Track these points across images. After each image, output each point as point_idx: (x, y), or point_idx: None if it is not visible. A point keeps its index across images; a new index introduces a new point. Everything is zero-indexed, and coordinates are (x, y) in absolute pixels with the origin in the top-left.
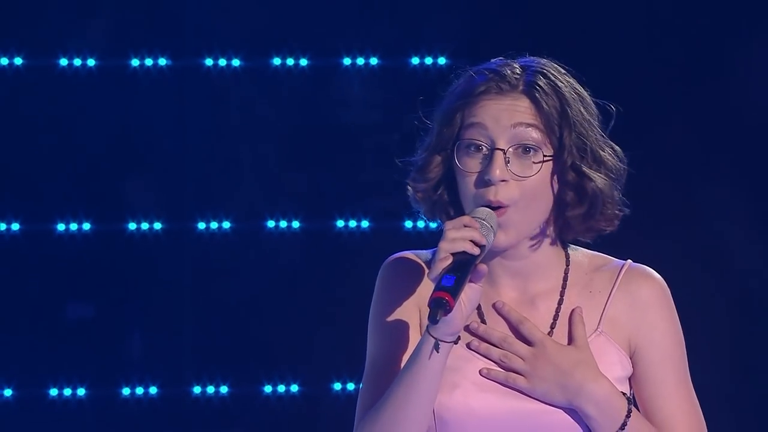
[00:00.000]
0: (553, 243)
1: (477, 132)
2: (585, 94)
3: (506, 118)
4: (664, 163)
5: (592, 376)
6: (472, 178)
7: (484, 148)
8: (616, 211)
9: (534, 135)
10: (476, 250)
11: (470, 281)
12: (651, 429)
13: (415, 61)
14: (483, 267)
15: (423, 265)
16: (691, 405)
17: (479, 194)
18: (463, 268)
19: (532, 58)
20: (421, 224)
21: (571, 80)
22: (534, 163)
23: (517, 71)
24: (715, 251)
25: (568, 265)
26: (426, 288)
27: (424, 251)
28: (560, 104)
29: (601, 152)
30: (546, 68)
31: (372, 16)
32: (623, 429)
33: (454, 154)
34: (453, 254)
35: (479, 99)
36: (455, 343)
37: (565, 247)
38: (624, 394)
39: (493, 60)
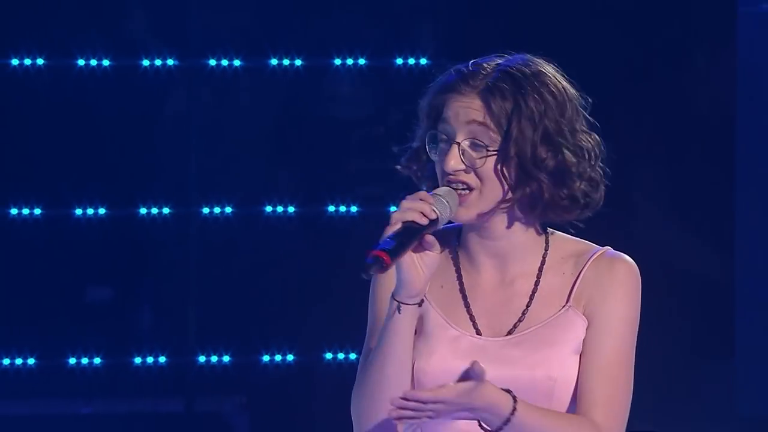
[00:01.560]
0: (528, 227)
1: (443, 125)
2: (560, 88)
3: (463, 115)
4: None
5: (484, 396)
6: (439, 165)
7: (447, 140)
8: (564, 202)
9: (483, 132)
10: (424, 221)
11: (426, 250)
12: (551, 415)
13: (399, 61)
14: (429, 237)
15: None
16: (618, 386)
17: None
18: (408, 234)
19: (516, 56)
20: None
21: (548, 77)
22: (481, 157)
23: (483, 73)
24: (655, 248)
25: (547, 249)
26: None
27: None
28: (513, 104)
29: (564, 142)
30: (515, 69)
31: (360, 21)
32: (508, 422)
33: (426, 145)
34: (403, 222)
35: (447, 97)
36: (419, 305)
37: (545, 233)
38: (509, 392)
39: (479, 58)
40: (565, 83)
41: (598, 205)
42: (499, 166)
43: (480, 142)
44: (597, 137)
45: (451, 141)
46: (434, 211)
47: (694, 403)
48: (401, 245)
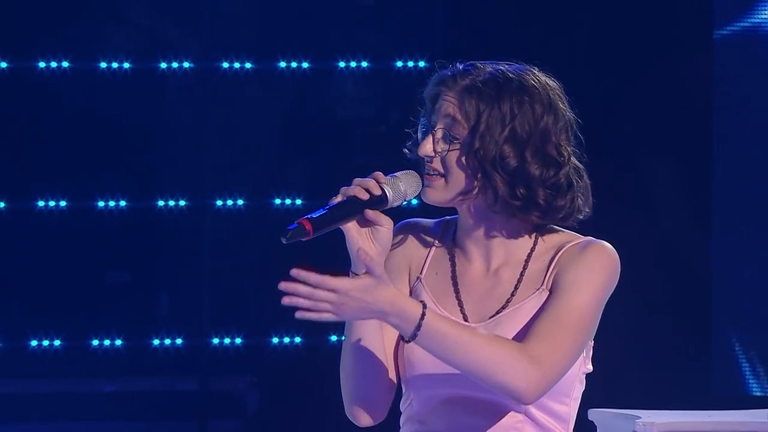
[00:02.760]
0: (509, 218)
1: (432, 115)
2: (546, 102)
3: (443, 108)
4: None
5: (388, 297)
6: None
7: (429, 128)
8: (516, 202)
9: (455, 125)
10: (365, 196)
11: (375, 225)
12: (470, 330)
13: (399, 64)
14: (370, 212)
15: (424, 231)
16: (564, 330)
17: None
18: (345, 208)
19: (518, 65)
20: (403, 203)
21: (536, 89)
22: (447, 148)
23: (474, 73)
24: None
25: (536, 241)
26: (419, 250)
27: (430, 220)
28: (487, 105)
29: (530, 148)
30: (503, 75)
31: (363, 26)
32: (419, 329)
33: (418, 129)
34: (346, 196)
35: (438, 89)
36: None
37: (535, 227)
38: (422, 302)
39: (490, 61)
40: (555, 99)
41: (573, 211)
42: (462, 158)
43: (450, 134)
44: (573, 150)
45: (430, 129)
46: (381, 188)
47: (671, 383)
48: (330, 217)
